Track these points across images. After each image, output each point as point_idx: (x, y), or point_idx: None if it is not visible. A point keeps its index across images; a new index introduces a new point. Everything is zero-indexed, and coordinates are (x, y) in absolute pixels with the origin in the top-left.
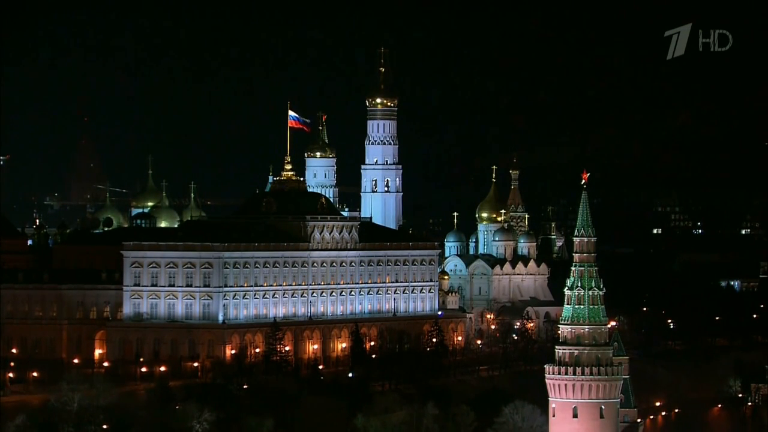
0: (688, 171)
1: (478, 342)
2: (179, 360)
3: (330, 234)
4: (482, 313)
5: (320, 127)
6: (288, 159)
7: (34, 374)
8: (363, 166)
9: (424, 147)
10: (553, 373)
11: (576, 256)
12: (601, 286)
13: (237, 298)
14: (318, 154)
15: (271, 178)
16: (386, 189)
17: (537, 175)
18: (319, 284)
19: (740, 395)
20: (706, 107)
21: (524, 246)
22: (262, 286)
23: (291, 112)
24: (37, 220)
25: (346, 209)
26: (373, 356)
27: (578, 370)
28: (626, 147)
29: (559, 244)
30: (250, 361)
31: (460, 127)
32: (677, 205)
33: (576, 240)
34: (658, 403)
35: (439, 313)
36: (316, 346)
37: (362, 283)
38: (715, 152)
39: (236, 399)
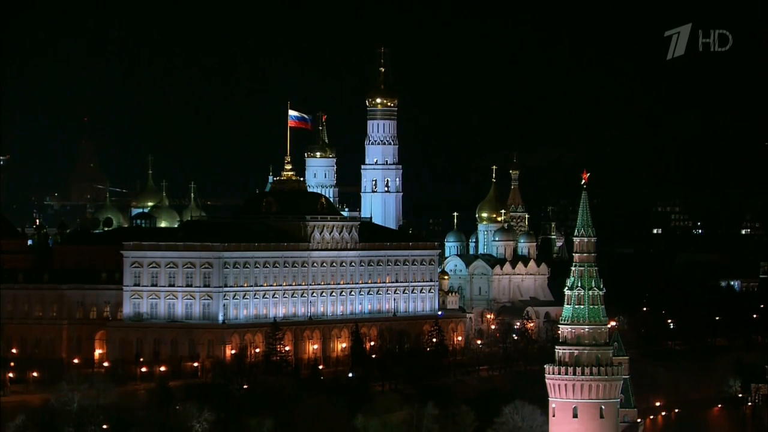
0: (688, 171)
1: (478, 342)
2: (179, 360)
3: (330, 234)
4: (482, 313)
5: (320, 127)
6: (288, 159)
7: (34, 374)
8: (363, 166)
9: (424, 147)
10: (553, 373)
11: (576, 256)
12: (601, 286)
13: (237, 298)
14: (318, 154)
15: (271, 178)
16: (386, 189)
17: (537, 175)
18: (319, 284)
19: (740, 395)
20: (707, 107)
21: (524, 246)
22: (262, 286)
23: (291, 112)
24: (37, 220)
25: (346, 209)
26: (373, 356)
27: (578, 370)
28: (627, 147)
29: (559, 244)
30: (250, 361)
31: (460, 127)
32: (677, 205)
33: (576, 240)
34: (658, 403)
35: (439, 313)
36: (316, 346)
37: (362, 283)
38: (715, 152)
39: (236, 399)
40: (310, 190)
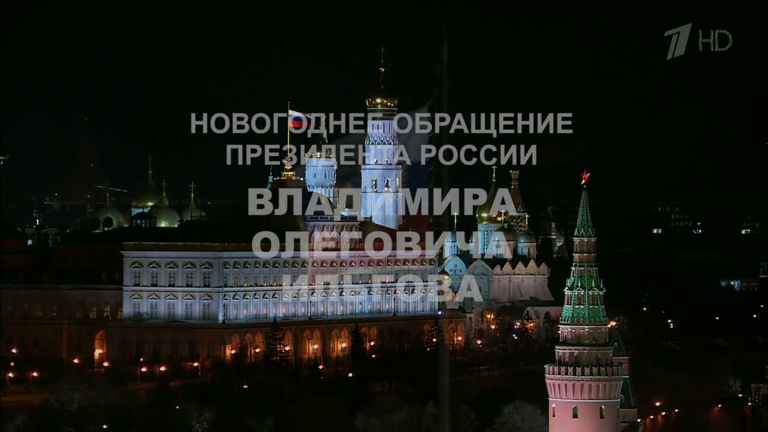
0: (688, 171)
1: (478, 342)
2: (179, 360)
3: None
4: (482, 313)
5: (320, 127)
6: (288, 159)
7: (34, 374)
8: (363, 166)
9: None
10: (553, 373)
11: (576, 256)
12: (601, 286)
13: (237, 298)
14: (318, 154)
15: (271, 178)
16: (386, 189)
17: (537, 175)
18: (319, 284)
19: (740, 395)
20: (707, 108)
21: (524, 246)
22: (262, 286)
23: (291, 112)
24: (37, 220)
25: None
26: (373, 356)
27: (578, 370)
28: (627, 147)
29: (559, 244)
30: (250, 361)
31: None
32: (677, 205)
33: (576, 240)
34: (658, 403)
35: (439, 313)
36: (316, 346)
37: (362, 283)
38: (715, 152)
39: (236, 399)
40: (310, 190)
